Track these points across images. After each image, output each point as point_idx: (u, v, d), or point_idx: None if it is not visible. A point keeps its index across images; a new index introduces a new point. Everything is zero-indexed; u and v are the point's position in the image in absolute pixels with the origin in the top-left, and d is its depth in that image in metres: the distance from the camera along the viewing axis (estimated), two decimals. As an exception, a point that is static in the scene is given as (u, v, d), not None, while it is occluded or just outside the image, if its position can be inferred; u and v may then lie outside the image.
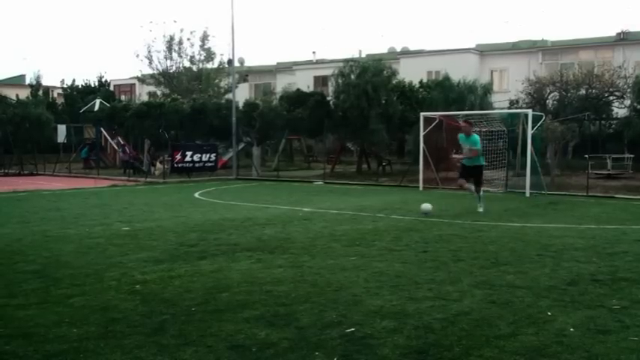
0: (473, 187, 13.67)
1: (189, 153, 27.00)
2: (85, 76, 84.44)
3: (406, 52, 44.19)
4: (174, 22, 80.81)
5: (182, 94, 36.52)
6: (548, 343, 4.91)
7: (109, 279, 7.14)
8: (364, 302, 6.07)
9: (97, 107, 37.01)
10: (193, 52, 39.97)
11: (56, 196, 18.87)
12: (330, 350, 4.77)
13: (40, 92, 46.28)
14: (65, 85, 49.91)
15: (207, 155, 27.61)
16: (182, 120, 30.68)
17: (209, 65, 40.27)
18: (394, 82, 27.73)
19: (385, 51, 45.02)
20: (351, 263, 8.00)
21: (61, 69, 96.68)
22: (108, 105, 36.35)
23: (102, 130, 35.20)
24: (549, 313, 5.69)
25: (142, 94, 48.42)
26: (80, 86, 50.14)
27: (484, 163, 14.07)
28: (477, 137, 13.66)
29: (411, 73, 31.92)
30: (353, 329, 5.23)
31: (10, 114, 33.25)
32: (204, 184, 23.57)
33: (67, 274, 7.43)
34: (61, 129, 34.38)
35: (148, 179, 26.14)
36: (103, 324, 5.43)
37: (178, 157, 26.76)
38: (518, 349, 4.76)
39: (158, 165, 28.34)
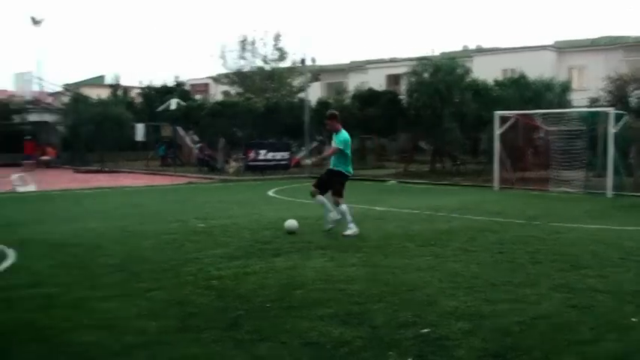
0: (322, 199, 10.60)
1: (262, 151, 27.33)
2: (162, 76, 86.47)
3: (480, 50, 43.41)
4: (248, 22, 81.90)
5: (255, 93, 37.00)
6: (632, 350, 4.73)
7: (186, 274, 7.30)
8: (439, 303, 5.99)
9: (173, 106, 37.92)
10: (266, 52, 40.45)
11: (135, 193, 19.45)
12: (404, 350, 4.73)
13: (120, 92, 47.71)
14: (143, 85, 51.28)
15: (281, 154, 27.86)
16: (255, 119, 31.10)
17: (282, 64, 40.65)
18: (468, 80, 27.30)
19: (459, 49, 44.38)
20: (425, 263, 7.91)
21: (139, 70, 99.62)
22: (184, 104, 37.21)
23: (178, 128, 36.05)
24: (634, 319, 5.47)
25: (217, 93, 49.31)
26: (158, 86, 51.40)
27: (346, 172, 10.45)
28: (344, 135, 10.41)
29: (485, 72, 31.28)
30: (428, 330, 5.17)
31: (92, 113, 34.48)
32: (278, 182, 23.79)
33: (146, 268, 7.65)
34: (140, 127, 35.35)
35: (223, 177, 26.60)
36: (180, 318, 5.55)
37: (252, 155, 27.12)
38: (599, 356, 4.60)
39: (232, 163, 28.80)
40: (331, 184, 10.45)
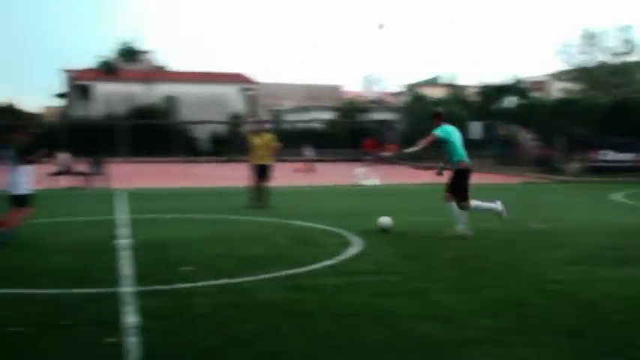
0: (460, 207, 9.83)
1: (607, 151, 25.51)
2: (501, 74, 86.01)
3: None
4: (593, 13, 77.02)
5: (600, 90, 34.64)
6: None
7: (522, 275, 7.10)
8: None
9: (509, 104, 37.40)
10: (613, 45, 37.56)
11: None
12: None
13: (456, 91, 48.51)
14: (480, 84, 51.43)
15: (628, 155, 25.67)
16: (599, 117, 29.12)
17: (631, 58, 37.40)
18: None
19: None
20: None
21: (478, 69, 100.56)
22: (523, 101, 36.48)
23: (514, 126, 35.41)
24: None
25: (554, 90, 47.35)
26: (495, 84, 51.10)
27: (461, 167, 9.84)
28: (445, 128, 9.89)
29: None
30: None
31: (429, 112, 35.75)
32: (624, 185, 21.86)
33: (482, 266, 7.62)
34: (475, 126, 35.53)
35: (561, 177, 25.40)
36: (516, 318, 5.42)
37: (595, 155, 25.52)
38: None
39: (573, 163, 27.35)
40: (455, 187, 9.87)
